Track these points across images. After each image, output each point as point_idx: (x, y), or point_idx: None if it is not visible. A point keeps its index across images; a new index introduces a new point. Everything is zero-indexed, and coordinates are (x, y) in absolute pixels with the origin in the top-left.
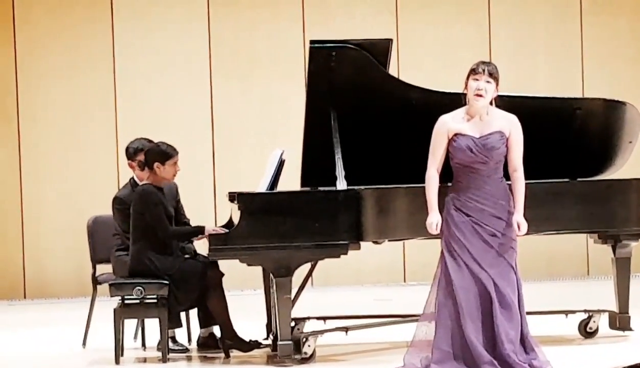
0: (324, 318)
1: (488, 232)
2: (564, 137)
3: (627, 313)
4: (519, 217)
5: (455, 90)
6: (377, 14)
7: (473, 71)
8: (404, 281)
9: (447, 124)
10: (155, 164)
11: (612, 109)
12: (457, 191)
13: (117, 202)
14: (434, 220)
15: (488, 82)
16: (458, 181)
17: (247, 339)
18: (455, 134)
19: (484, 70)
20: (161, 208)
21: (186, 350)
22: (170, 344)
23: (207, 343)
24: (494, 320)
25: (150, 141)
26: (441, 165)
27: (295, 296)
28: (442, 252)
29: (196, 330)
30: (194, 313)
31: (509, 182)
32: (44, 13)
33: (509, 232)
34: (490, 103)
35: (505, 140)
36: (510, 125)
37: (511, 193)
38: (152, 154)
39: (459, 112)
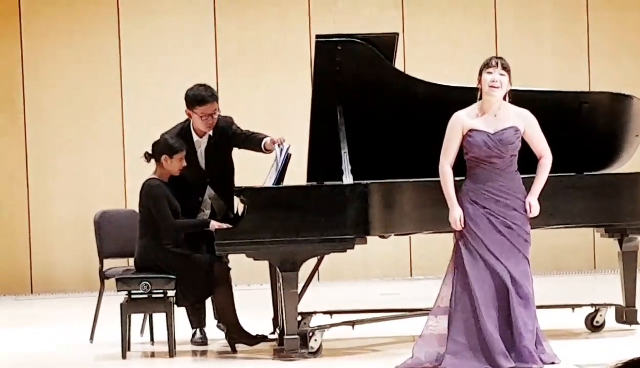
0: (331, 313)
1: (503, 223)
2: (571, 131)
3: (634, 306)
4: (532, 199)
5: (461, 84)
6: (384, 9)
7: (486, 65)
8: (411, 275)
9: (462, 120)
10: (163, 157)
11: (619, 102)
12: (471, 184)
13: None
14: (457, 215)
15: (502, 74)
16: (472, 174)
17: (253, 333)
18: (470, 130)
19: (497, 63)
20: (165, 202)
21: (205, 343)
22: (198, 334)
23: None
24: (511, 311)
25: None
26: (454, 160)
27: (302, 290)
28: (455, 245)
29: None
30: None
31: (523, 176)
32: (50, 8)
33: (524, 224)
34: (504, 98)
35: (520, 135)
36: (524, 121)
37: (524, 186)
38: (160, 146)
39: (473, 108)
